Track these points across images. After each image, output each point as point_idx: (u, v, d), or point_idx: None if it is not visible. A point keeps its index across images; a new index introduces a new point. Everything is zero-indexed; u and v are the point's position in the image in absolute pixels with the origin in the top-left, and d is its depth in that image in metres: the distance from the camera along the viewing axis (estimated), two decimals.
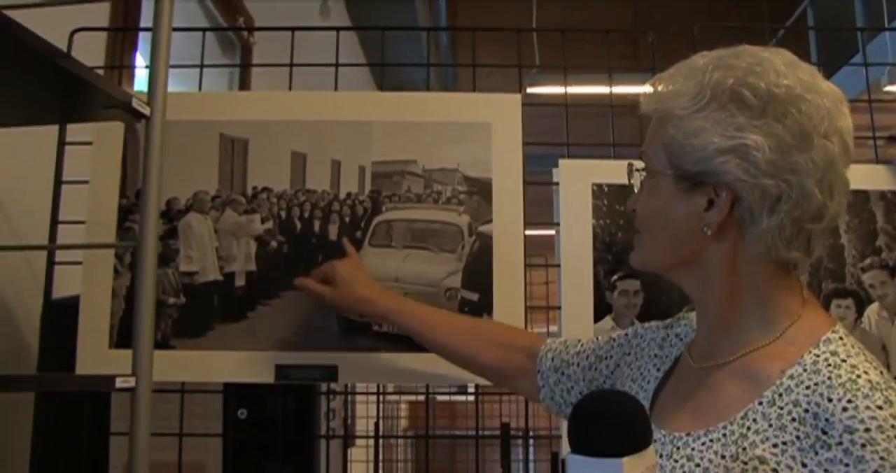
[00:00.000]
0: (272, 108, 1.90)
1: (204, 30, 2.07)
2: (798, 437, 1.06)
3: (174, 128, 1.57)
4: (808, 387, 1.08)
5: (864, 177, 1.98)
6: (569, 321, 1.84)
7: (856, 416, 1.02)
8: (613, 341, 1.49)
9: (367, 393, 4.77)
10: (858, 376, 1.06)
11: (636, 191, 1.29)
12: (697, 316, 1.30)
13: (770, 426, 1.09)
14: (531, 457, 7.24)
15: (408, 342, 1.74)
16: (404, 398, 7.19)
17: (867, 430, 1.01)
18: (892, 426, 1.01)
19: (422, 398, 8.11)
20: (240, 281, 1.84)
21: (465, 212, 1.86)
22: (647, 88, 1.24)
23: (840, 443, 1.02)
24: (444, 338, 1.66)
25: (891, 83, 5.81)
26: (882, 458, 0.99)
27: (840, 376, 1.07)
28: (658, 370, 1.35)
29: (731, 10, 7.48)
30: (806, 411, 1.06)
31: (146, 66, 1.52)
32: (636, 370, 1.39)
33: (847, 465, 1.01)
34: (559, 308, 1.86)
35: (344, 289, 1.69)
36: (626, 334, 1.48)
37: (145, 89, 1.45)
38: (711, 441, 1.13)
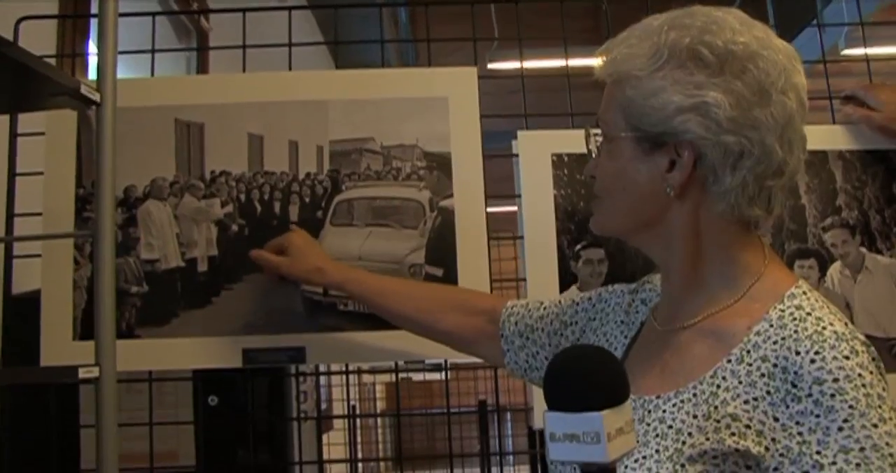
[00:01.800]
0: (226, 91, 1.88)
1: (154, 14, 2.04)
2: (768, 392, 1.07)
3: (128, 115, 1.55)
4: (775, 342, 1.10)
5: (822, 137, 1.99)
6: (534, 292, 1.84)
7: (824, 367, 1.04)
8: (577, 305, 1.48)
9: (342, 373, 4.77)
10: (824, 328, 1.08)
11: (593, 156, 1.29)
12: (662, 279, 1.30)
13: (740, 383, 1.10)
14: (508, 432, 7.29)
15: (375, 320, 1.73)
16: (380, 379, 7.20)
17: (835, 380, 1.03)
18: (859, 374, 1.03)
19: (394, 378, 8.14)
20: (202, 267, 1.82)
21: (426, 188, 1.85)
22: (600, 55, 1.24)
23: (810, 395, 1.04)
24: (400, 305, 1.65)
25: (848, 47, 5.85)
26: (851, 407, 1.02)
27: (806, 329, 1.09)
28: (625, 336, 1.35)
29: None
30: (775, 365, 1.08)
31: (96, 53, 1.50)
32: (601, 335, 1.39)
33: (818, 416, 1.03)
34: (524, 280, 1.86)
35: (298, 259, 1.69)
36: (590, 298, 1.47)
37: None
38: (682, 401, 1.14)
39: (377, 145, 1.87)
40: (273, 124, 1.86)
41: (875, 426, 1.01)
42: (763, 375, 1.09)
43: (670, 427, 1.13)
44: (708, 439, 1.07)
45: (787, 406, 1.05)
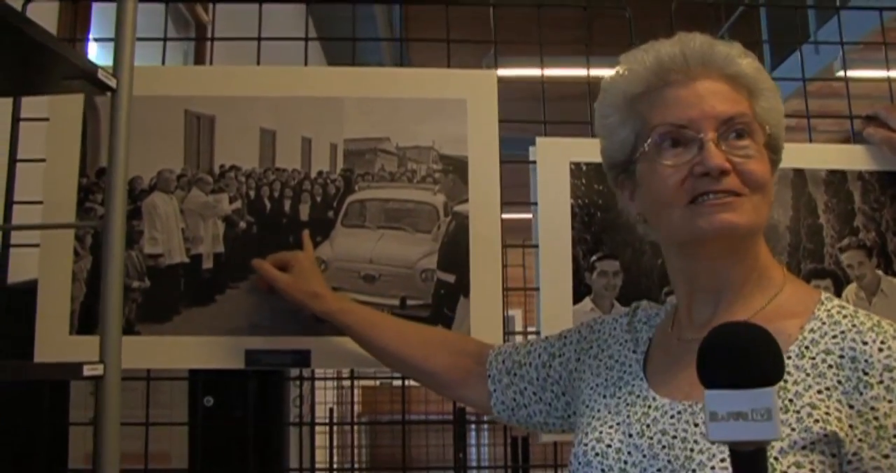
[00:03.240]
0: (239, 84, 1.82)
1: (167, 1, 1.98)
2: (839, 382, 1.12)
3: (137, 104, 1.48)
4: (833, 337, 1.16)
5: (842, 157, 1.96)
6: (547, 302, 1.80)
7: (892, 355, 1.11)
8: (565, 338, 1.50)
9: (325, 379, 4.71)
10: (879, 322, 1.16)
11: (742, 149, 1.24)
12: (703, 288, 1.30)
13: (808, 375, 1.14)
14: (485, 442, 7.25)
15: None
16: (359, 383, 7.14)
17: (891, 369, 1.10)
18: None
19: (376, 383, 8.08)
20: (207, 264, 1.76)
21: (441, 191, 1.81)
22: (741, 56, 1.28)
23: (881, 381, 1.10)
24: (390, 340, 1.63)
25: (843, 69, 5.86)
26: None
27: (864, 323, 1.16)
28: (635, 352, 1.37)
29: None
30: (841, 357, 1.14)
31: (110, 39, 1.45)
32: (607, 359, 1.41)
33: (890, 401, 1.09)
34: (537, 289, 1.81)
35: (299, 280, 1.66)
36: (579, 330, 1.50)
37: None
38: None
39: (392, 146, 1.82)
40: (286, 119, 1.81)
41: None
42: (831, 366, 1.14)
43: None
44: (794, 429, 1.10)
45: (861, 394, 1.10)
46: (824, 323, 1.18)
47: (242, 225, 1.78)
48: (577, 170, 1.85)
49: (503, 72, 1.94)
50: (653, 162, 1.26)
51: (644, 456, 1.21)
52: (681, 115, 1.24)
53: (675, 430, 1.19)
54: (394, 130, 1.82)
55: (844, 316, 1.18)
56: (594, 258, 1.82)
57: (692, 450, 1.15)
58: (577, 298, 1.81)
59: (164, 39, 1.95)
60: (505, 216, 1.83)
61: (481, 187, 1.81)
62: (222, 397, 1.93)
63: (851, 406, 1.11)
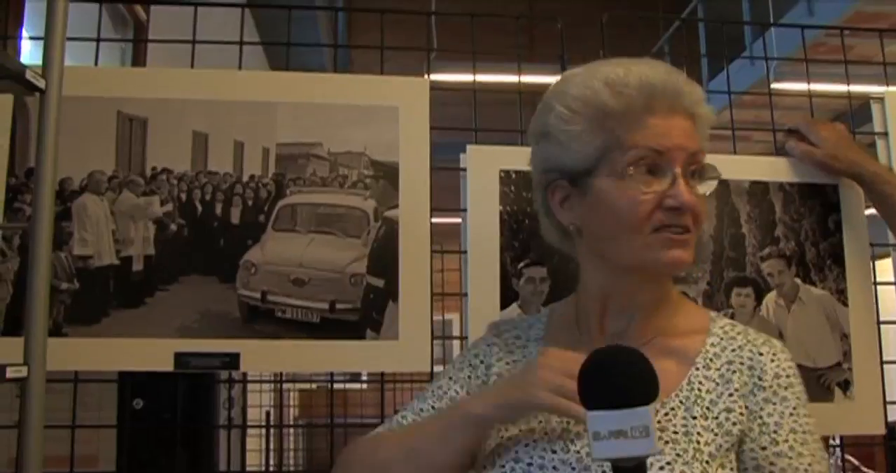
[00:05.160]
0: (173, 86, 1.83)
1: (100, 1, 1.97)
2: (742, 385, 1.29)
3: (68, 104, 1.49)
4: (733, 350, 1.33)
5: (765, 168, 2.02)
6: (475, 308, 1.82)
7: (780, 365, 1.31)
8: (440, 389, 1.42)
9: (259, 381, 4.69)
10: (768, 338, 1.36)
11: (691, 186, 1.29)
12: (619, 306, 1.35)
13: (717, 384, 1.29)
14: None
15: (312, 329, 1.70)
16: (296, 386, 7.11)
17: (787, 377, 1.30)
18: (796, 374, 1.32)
19: (313, 387, 8.06)
20: (137, 266, 1.77)
21: (371, 197, 1.83)
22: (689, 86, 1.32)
23: (770, 386, 1.29)
24: None
25: (776, 80, 6.02)
26: (797, 398, 1.29)
27: (756, 338, 1.35)
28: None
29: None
30: (742, 364, 1.30)
31: (39, 38, 1.44)
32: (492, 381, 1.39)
33: (774, 403, 1.28)
34: (465, 295, 1.84)
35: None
36: (450, 377, 1.42)
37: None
38: (672, 409, 1.26)
39: (324, 151, 1.83)
40: (219, 123, 1.82)
41: (808, 416, 1.29)
42: (734, 372, 1.30)
43: (675, 432, 1.23)
44: (716, 434, 1.24)
45: (755, 396, 1.28)
46: (722, 338, 1.35)
47: (173, 227, 1.79)
48: (506, 177, 1.88)
49: (443, 77, 1.96)
50: (624, 183, 1.27)
51: (573, 469, 1.23)
52: (662, 143, 1.26)
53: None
54: (326, 136, 1.84)
55: (739, 333, 1.36)
56: (521, 264, 1.85)
57: None
58: (505, 304, 1.84)
59: (98, 40, 1.94)
60: (447, 220, 1.85)
61: (411, 193, 1.83)
62: (151, 399, 1.93)
63: (747, 407, 1.27)
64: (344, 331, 1.79)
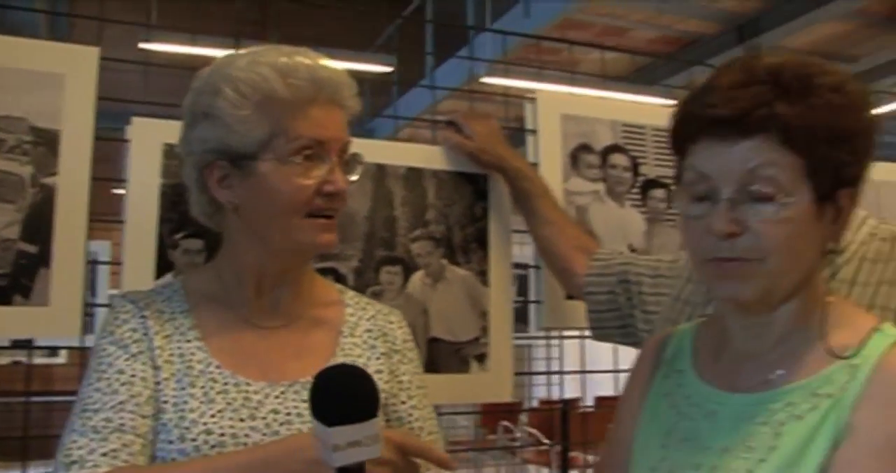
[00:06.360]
0: None
1: None
2: (386, 350, 1.53)
3: None
4: (368, 319, 1.56)
5: (421, 156, 2.18)
6: (130, 276, 1.86)
7: (405, 331, 1.60)
8: (123, 374, 1.37)
9: None
10: (392, 309, 1.63)
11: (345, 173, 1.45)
12: (271, 284, 1.48)
13: (363, 349, 1.51)
14: None
15: None
16: None
17: (410, 341, 1.60)
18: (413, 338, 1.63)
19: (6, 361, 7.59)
20: None
21: (29, 163, 1.84)
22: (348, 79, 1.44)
23: (401, 350, 1.56)
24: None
25: (488, 75, 6.48)
26: (417, 359, 1.60)
27: (382, 308, 1.61)
28: (188, 341, 1.43)
29: None
30: (380, 331, 1.55)
31: None
32: (151, 353, 1.40)
33: (406, 364, 1.56)
34: (121, 264, 1.88)
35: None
36: (125, 358, 1.39)
37: None
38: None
39: None
40: None
41: (420, 373, 1.60)
42: (376, 338, 1.54)
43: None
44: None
45: (391, 358, 1.53)
46: (356, 309, 1.57)
47: None
48: (170, 151, 1.92)
49: (161, 47, 1.96)
50: (288, 168, 1.36)
51: (265, 436, 1.33)
52: (323, 134, 1.37)
53: (287, 408, 1.37)
54: None
55: (368, 303, 1.61)
56: (178, 236, 1.92)
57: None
58: (160, 273, 1.90)
59: None
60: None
61: (71, 161, 1.84)
62: None
63: (390, 369, 1.52)
64: None
